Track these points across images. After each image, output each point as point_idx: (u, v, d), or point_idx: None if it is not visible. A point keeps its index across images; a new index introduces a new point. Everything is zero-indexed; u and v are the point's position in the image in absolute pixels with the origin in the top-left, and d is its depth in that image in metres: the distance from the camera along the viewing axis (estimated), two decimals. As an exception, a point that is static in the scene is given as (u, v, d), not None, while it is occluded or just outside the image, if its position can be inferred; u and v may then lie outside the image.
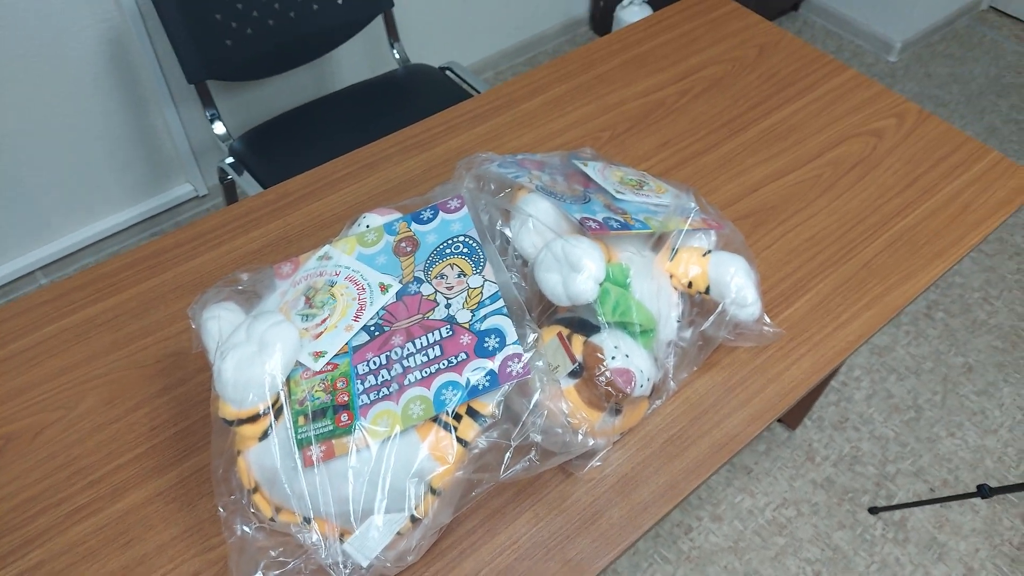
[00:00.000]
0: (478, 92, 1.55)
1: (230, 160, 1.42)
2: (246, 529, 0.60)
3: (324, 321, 0.65)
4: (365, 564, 0.58)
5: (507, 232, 0.73)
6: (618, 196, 0.77)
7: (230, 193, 1.52)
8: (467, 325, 0.62)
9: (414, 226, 0.71)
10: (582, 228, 0.69)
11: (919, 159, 1.01)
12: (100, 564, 0.64)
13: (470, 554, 0.65)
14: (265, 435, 0.60)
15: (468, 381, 0.59)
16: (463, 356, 0.60)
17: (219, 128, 1.48)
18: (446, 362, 0.60)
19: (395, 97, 1.55)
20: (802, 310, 0.84)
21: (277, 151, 1.44)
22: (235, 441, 0.60)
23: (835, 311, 0.84)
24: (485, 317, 0.62)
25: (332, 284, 0.68)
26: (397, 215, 0.74)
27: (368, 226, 0.73)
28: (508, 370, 0.59)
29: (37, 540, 0.65)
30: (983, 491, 1.20)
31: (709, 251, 0.75)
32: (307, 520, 0.60)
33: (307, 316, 0.65)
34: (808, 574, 1.40)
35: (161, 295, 0.83)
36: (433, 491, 0.58)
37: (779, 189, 0.96)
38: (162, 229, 1.95)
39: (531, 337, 0.61)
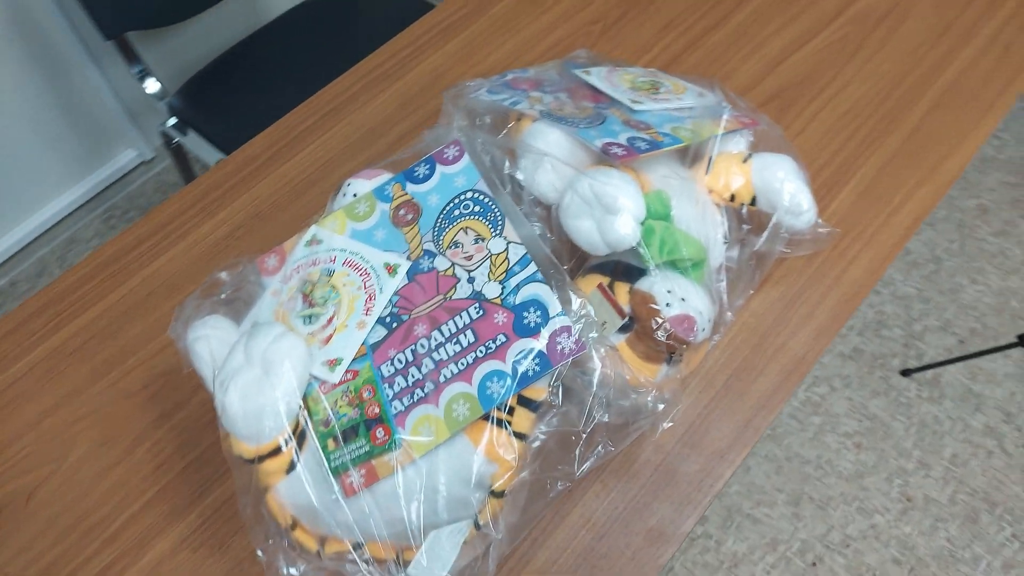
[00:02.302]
0: (430, -4, 1.38)
1: (173, 121, 1.27)
2: (293, 573, 0.53)
3: (331, 321, 0.55)
4: (435, 586, 0.52)
5: (518, 175, 0.62)
6: (635, 107, 0.66)
7: (180, 158, 1.37)
8: (499, 300, 0.53)
9: (409, 187, 0.60)
10: (606, 156, 0.59)
11: (948, 1, 0.89)
12: (138, 628, 0.57)
13: (543, 542, 0.59)
14: (292, 467, 0.51)
15: (516, 369, 0.50)
16: (502, 339, 0.52)
17: (152, 86, 1.31)
18: (483, 348, 0.52)
19: (342, 15, 1.38)
20: (849, 200, 0.75)
21: (222, 101, 1.28)
22: (259, 478, 0.52)
23: (886, 195, 0.75)
24: (518, 288, 0.53)
25: (330, 273, 0.58)
26: (386, 176, 0.63)
27: (355, 195, 0.62)
28: (559, 348, 0.50)
29: (62, 613, 0.58)
30: (1025, 341, 1.17)
31: (749, 155, 0.65)
32: (358, 546, 0.53)
33: (310, 318, 0.56)
34: (848, 447, 1.39)
35: (132, 306, 0.72)
36: (497, 495, 0.51)
37: (802, 60, 0.85)
38: (115, 203, 1.80)
39: (577, 303, 0.52)
